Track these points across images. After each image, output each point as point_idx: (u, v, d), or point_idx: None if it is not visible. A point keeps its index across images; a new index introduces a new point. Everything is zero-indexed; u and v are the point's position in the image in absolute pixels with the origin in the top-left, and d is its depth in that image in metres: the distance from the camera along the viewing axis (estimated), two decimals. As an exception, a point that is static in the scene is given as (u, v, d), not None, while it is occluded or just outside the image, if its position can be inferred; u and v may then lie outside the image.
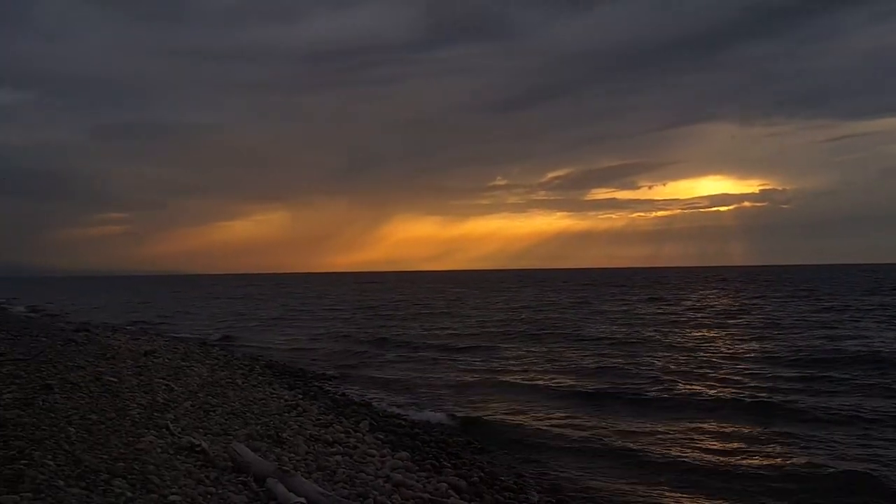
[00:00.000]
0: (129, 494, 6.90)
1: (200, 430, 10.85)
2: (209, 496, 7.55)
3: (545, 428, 15.63)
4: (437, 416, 16.85)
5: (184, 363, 18.88)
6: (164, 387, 14.03)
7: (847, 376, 20.30)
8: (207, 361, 20.65)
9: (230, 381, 17.14)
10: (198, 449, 9.19)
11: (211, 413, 12.45)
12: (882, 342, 27.43)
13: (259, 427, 11.95)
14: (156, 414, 11.18)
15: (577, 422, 16.19)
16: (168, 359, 19.32)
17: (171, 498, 7.11)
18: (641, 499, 11.25)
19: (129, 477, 7.46)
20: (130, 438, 9.11)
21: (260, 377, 19.29)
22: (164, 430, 10.04)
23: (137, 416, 10.70)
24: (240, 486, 8.14)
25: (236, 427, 11.61)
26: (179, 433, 10.08)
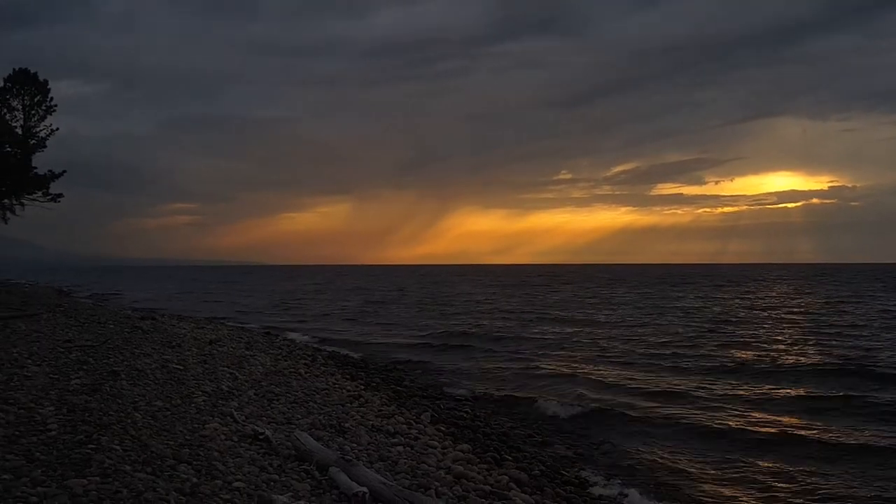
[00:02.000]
0: (194, 480, 6.94)
1: (264, 418, 10.92)
2: (272, 483, 7.55)
3: (611, 418, 15.48)
4: (505, 408, 16.74)
5: (248, 352, 19.14)
6: (228, 375, 14.22)
7: None
8: (271, 351, 20.90)
9: (293, 370, 17.29)
10: (261, 437, 9.23)
11: (274, 402, 12.54)
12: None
13: (321, 417, 11.98)
14: (220, 402, 11.30)
15: (648, 410, 16.00)
16: (232, 348, 19.62)
17: (236, 484, 7.12)
18: (709, 478, 11.22)
19: (195, 463, 7.51)
20: (195, 425, 9.21)
21: (322, 367, 19.42)
22: (228, 417, 10.13)
23: (202, 403, 10.83)
24: (303, 474, 8.13)
25: (299, 416, 11.66)
26: (243, 421, 10.16)
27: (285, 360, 19.16)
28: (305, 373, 17.33)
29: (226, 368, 15.05)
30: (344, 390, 15.70)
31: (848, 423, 14.38)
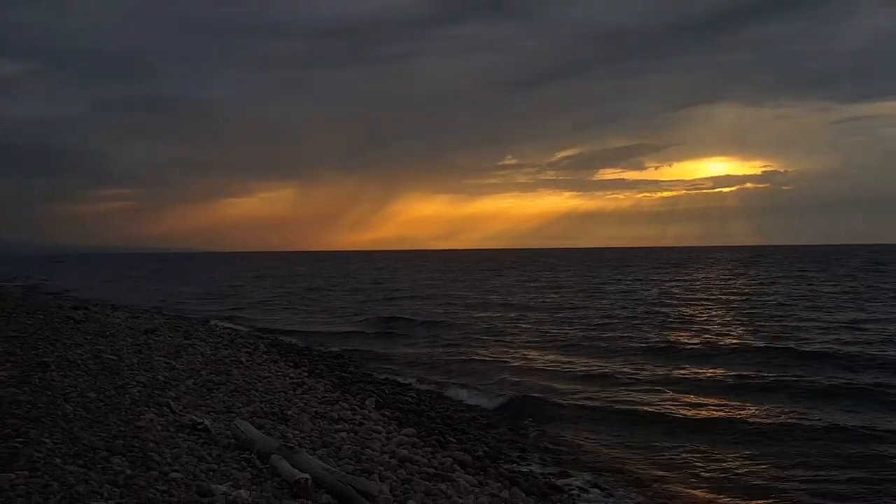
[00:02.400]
0: (128, 472, 6.73)
1: (203, 407, 10.71)
2: (211, 473, 7.38)
3: (551, 401, 15.59)
4: (452, 393, 16.77)
5: (186, 341, 18.75)
6: (165, 365, 13.90)
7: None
8: (211, 340, 20.52)
9: (234, 359, 17.00)
10: (200, 427, 9.03)
11: (214, 391, 12.31)
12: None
13: (263, 405, 11.80)
14: (156, 392, 11.04)
15: (584, 394, 16.17)
16: (169, 337, 19.20)
17: (172, 475, 6.94)
18: (641, 461, 11.38)
19: (129, 454, 7.30)
20: (130, 416, 8.96)
21: (265, 355, 19.16)
22: (164, 408, 9.88)
23: (137, 394, 10.56)
24: (243, 462, 7.98)
25: (240, 405, 11.46)
26: (181, 411, 9.94)
27: (226, 349, 18.83)
28: (247, 361, 17.05)
29: (162, 358, 14.71)
30: (287, 378, 15.50)
31: (777, 404, 14.66)
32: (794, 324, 26.66)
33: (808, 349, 20.66)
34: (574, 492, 9.89)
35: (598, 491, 10.05)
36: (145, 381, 11.75)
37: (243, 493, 6.77)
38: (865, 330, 24.43)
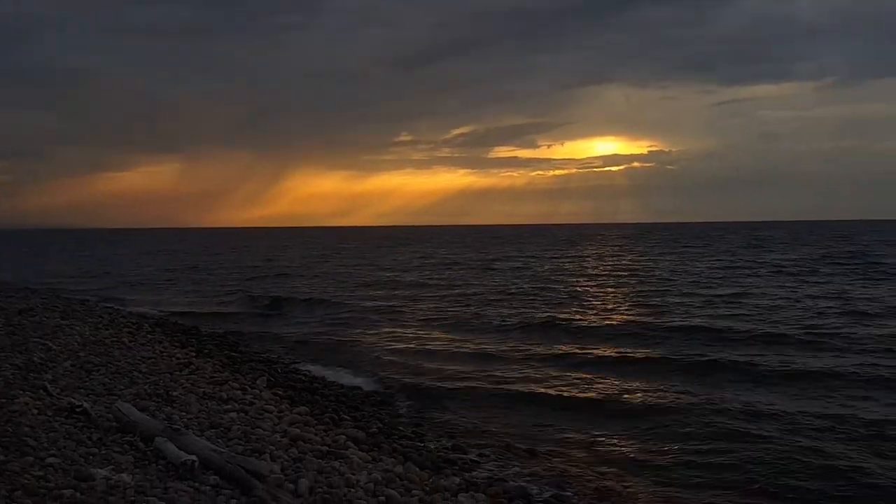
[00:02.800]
0: (1, 458, 6.40)
1: (82, 390, 10.27)
2: (92, 457, 7.11)
3: (442, 380, 15.73)
4: (341, 375, 16.64)
5: (63, 321, 17.86)
6: (41, 346, 13.23)
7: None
8: (90, 320, 19.61)
9: (116, 339, 16.33)
10: (79, 410, 8.65)
11: (94, 373, 11.81)
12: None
13: (147, 386, 11.41)
14: (32, 374, 10.51)
15: (475, 373, 16.37)
16: (46, 317, 18.25)
17: (49, 460, 6.64)
18: (530, 437, 11.66)
19: (2, 439, 6.93)
20: (3, 400, 8.48)
21: (149, 335, 18.48)
22: (41, 391, 9.42)
23: (11, 376, 10.02)
24: (126, 446, 7.71)
25: (122, 387, 11.05)
26: (58, 394, 9.50)
27: (107, 329, 18.05)
28: (129, 342, 16.41)
29: (38, 339, 13.98)
30: (173, 358, 15.01)
31: (658, 379, 15.14)
32: (676, 300, 27.89)
33: (688, 324, 21.63)
34: (466, 465, 10.05)
35: (492, 464, 10.27)
36: (20, 363, 11.16)
37: (126, 476, 6.55)
38: (742, 304, 25.89)
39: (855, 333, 19.39)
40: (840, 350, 17.50)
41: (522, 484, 9.25)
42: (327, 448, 9.34)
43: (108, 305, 27.49)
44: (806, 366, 15.83)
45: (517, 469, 10.10)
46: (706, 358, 16.83)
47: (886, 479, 9.38)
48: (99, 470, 6.57)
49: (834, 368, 15.42)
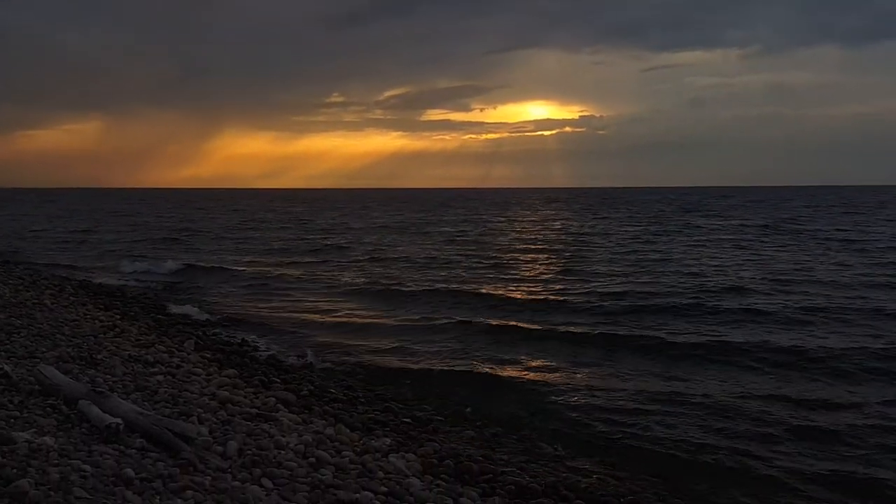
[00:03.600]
0: (-86, 424, 6.23)
1: (2, 353, 9.98)
2: (13, 420, 6.96)
3: (376, 349, 15.80)
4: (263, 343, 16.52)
5: (-19, 284, 17.23)
6: (-43, 309, 12.74)
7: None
8: (10, 281, 18.95)
9: (37, 301, 15.86)
10: (-1, 373, 8.43)
11: (14, 335, 11.47)
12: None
13: (70, 349, 11.17)
14: (-53, 337, 10.14)
15: (410, 344, 16.31)
16: (-38, 279, 17.56)
17: (-33, 425, 6.49)
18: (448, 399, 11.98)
19: (-86, 405, 6.73)
20: (-85, 364, 8.20)
21: (72, 297, 18.01)
22: (-44, 354, 9.12)
23: (-76, 340, 9.65)
24: (48, 409, 7.57)
25: (44, 349, 10.78)
26: (-24, 357, 9.21)
27: (27, 291, 17.50)
28: (51, 304, 15.96)
29: (-46, 301, 13.47)
30: (97, 321, 14.69)
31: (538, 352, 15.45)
32: (600, 267, 28.34)
33: (609, 291, 22.14)
34: (398, 426, 10.17)
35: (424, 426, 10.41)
36: (-68, 326, 10.75)
37: (48, 439, 6.46)
38: (664, 272, 26.61)
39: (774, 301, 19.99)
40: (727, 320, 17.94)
41: (453, 445, 9.45)
42: (257, 410, 9.34)
43: (28, 267, 26.47)
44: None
45: (443, 423, 10.34)
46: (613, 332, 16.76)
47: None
48: (21, 434, 6.46)
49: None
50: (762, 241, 38.50)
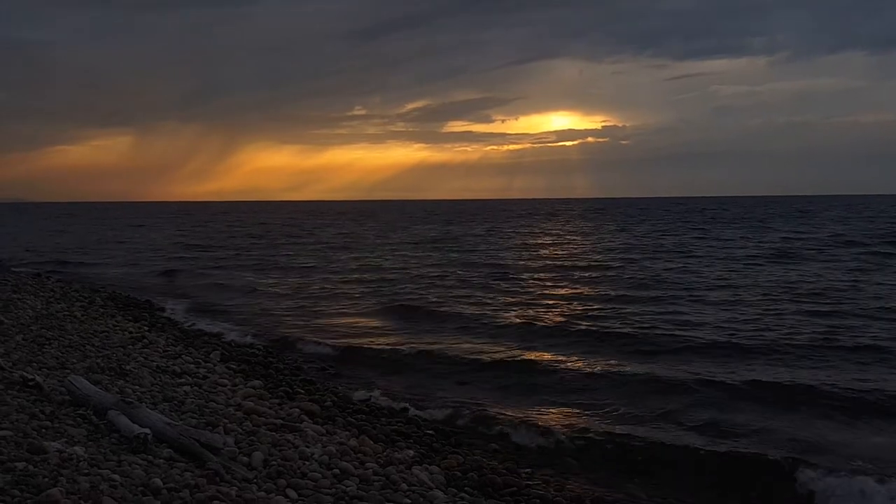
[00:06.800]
0: (-50, 432, 6.39)
1: (34, 364, 10.19)
2: (44, 430, 7.12)
3: (399, 351, 15.88)
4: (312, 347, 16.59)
5: (15, 295, 17.55)
6: (-9, 320, 13.01)
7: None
8: (42, 294, 19.31)
9: (68, 313, 16.16)
10: (31, 383, 8.61)
11: (46, 346, 11.72)
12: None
13: (100, 360, 11.36)
14: (-18, 349, 10.36)
15: (434, 347, 16.32)
16: (-4, 291, 17.91)
17: (1, 433, 6.64)
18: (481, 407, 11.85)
19: (-49, 414, 6.89)
20: (-48, 374, 8.40)
21: (101, 309, 18.29)
22: (-9, 365, 9.32)
23: (-41, 350, 9.87)
24: (78, 419, 7.73)
25: (74, 360, 10.99)
26: (10, 368, 9.41)
27: (59, 303, 17.83)
28: (82, 315, 16.25)
29: (-12, 313, 13.76)
30: (126, 332, 14.92)
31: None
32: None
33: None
34: (423, 438, 10.19)
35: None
36: (-33, 337, 10.99)
37: (79, 449, 6.59)
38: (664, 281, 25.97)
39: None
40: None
41: (476, 457, 9.44)
42: (281, 421, 9.44)
43: (60, 279, 26.86)
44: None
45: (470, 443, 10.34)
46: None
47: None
48: (52, 443, 6.60)
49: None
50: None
